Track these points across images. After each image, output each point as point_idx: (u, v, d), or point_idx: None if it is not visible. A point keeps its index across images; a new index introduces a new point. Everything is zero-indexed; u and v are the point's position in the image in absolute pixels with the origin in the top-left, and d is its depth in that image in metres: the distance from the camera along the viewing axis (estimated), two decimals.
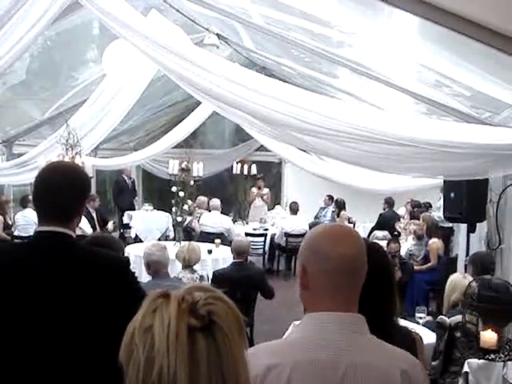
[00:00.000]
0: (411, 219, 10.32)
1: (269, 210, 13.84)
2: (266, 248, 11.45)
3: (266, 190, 13.79)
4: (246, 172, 13.21)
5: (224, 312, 1.11)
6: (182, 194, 8.72)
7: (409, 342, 2.35)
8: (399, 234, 10.64)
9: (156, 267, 5.34)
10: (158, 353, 1.05)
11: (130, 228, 12.22)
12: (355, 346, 1.63)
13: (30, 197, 8.64)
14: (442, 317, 4.38)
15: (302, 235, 9.58)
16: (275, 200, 14.95)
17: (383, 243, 7.87)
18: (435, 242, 8.74)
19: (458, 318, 4.18)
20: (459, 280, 4.72)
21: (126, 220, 12.58)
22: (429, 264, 8.67)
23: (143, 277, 6.91)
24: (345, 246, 1.67)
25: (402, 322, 4.04)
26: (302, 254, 1.73)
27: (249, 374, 1.16)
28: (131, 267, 2.38)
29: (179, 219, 8.98)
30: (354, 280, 1.69)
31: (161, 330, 1.06)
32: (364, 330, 1.68)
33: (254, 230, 11.90)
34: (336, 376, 1.58)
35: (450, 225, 9.41)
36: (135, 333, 1.10)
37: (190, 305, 1.09)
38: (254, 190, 13.58)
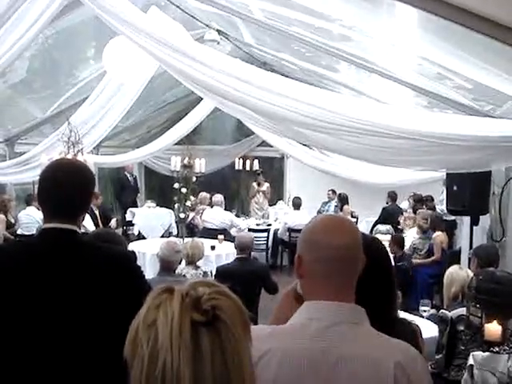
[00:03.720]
0: (414, 213, 10.30)
1: (270, 205, 13.84)
2: (269, 243, 11.45)
3: (265, 186, 13.78)
4: (248, 167, 13.20)
5: (228, 307, 1.11)
6: (184, 190, 8.72)
7: (409, 333, 2.35)
8: (402, 227, 10.63)
9: (163, 265, 5.41)
10: (162, 348, 1.05)
11: (132, 225, 12.24)
12: (349, 337, 1.63)
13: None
14: (443, 311, 4.38)
15: None
16: (278, 195, 14.94)
17: (386, 237, 7.89)
18: (439, 236, 8.71)
19: (460, 310, 4.18)
20: (456, 272, 4.70)
21: (128, 217, 12.59)
22: (433, 257, 8.65)
23: (146, 273, 6.91)
24: (337, 235, 1.69)
25: (406, 316, 4.05)
26: (299, 244, 1.77)
27: (253, 369, 1.16)
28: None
29: (182, 216, 8.97)
30: (347, 269, 1.70)
31: (164, 325, 1.06)
32: (362, 320, 1.68)
33: (257, 225, 11.90)
34: (327, 366, 1.59)
35: (453, 218, 9.38)
36: (139, 328, 1.10)
37: (194, 300, 1.09)
38: (254, 185, 13.60)
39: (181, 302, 1.08)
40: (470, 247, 6.11)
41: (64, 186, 2.23)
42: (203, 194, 11.19)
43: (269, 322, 1.93)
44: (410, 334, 2.34)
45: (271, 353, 1.62)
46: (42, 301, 2.08)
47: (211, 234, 9.61)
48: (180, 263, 5.78)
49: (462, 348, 4.15)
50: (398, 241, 8.20)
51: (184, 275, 5.91)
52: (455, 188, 6.10)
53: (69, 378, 2.06)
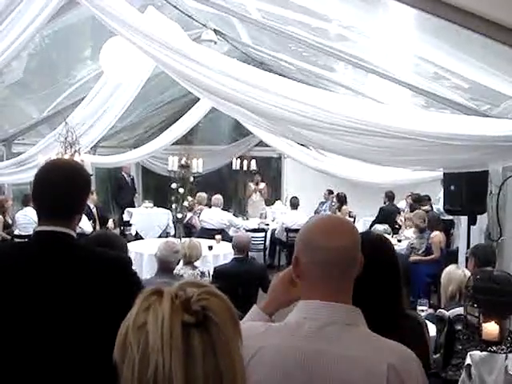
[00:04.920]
0: (411, 212, 10.31)
1: (268, 205, 13.85)
2: (267, 243, 11.44)
3: (262, 185, 13.79)
4: (245, 167, 13.20)
5: (218, 307, 1.11)
6: (181, 190, 8.71)
7: (417, 327, 2.36)
8: (400, 227, 10.64)
9: (162, 266, 5.40)
10: (153, 351, 1.05)
11: (130, 225, 12.23)
12: (343, 337, 1.63)
13: None
14: (441, 310, 4.38)
15: None
16: (275, 195, 14.95)
17: None
18: (437, 235, 8.72)
19: (457, 310, 4.18)
20: (454, 271, 4.71)
21: (126, 217, 12.59)
22: (432, 256, 8.65)
23: (144, 274, 6.93)
24: (335, 238, 1.68)
25: None
26: (296, 244, 1.76)
27: (244, 367, 1.16)
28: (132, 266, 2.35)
29: (179, 216, 8.97)
30: (344, 271, 1.69)
31: (155, 328, 1.06)
32: (357, 321, 1.67)
33: (258, 225, 11.89)
34: (319, 365, 1.59)
35: (450, 217, 9.40)
36: (129, 331, 1.10)
37: (184, 301, 1.08)
38: (251, 185, 13.61)
39: (170, 304, 1.08)
40: (468, 247, 6.11)
41: (58, 188, 2.19)
42: (201, 195, 11.18)
43: (261, 305, 1.93)
44: (417, 327, 2.35)
45: (264, 350, 1.62)
46: (34, 303, 2.05)
47: (209, 234, 9.60)
48: (178, 263, 5.77)
49: (460, 347, 4.16)
50: None
51: (181, 275, 5.90)
52: (452, 188, 6.10)
53: (60, 379, 2.04)
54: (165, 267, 5.39)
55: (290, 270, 1.80)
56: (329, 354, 1.60)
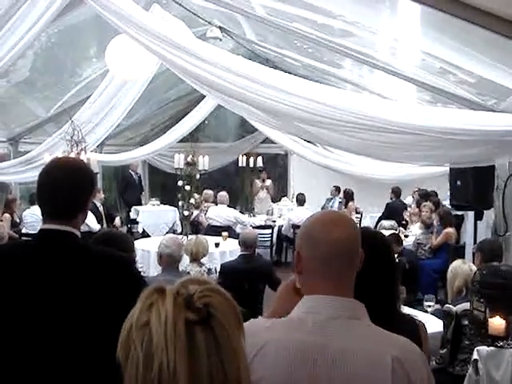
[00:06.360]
0: (418, 208, 10.28)
1: (274, 201, 13.84)
2: (274, 240, 11.45)
3: (269, 182, 13.79)
4: (251, 164, 13.20)
5: (220, 304, 1.11)
6: (188, 187, 8.72)
7: (412, 328, 2.36)
8: (407, 222, 10.62)
9: (167, 261, 5.37)
10: (157, 349, 1.05)
11: (137, 223, 12.25)
12: (346, 331, 1.63)
13: None
14: (448, 305, 4.38)
15: None
16: (282, 192, 14.94)
17: (390, 233, 7.87)
18: (450, 232, 8.69)
19: (464, 305, 4.18)
20: (459, 266, 4.71)
21: (133, 215, 12.60)
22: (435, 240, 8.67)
23: (151, 271, 6.92)
24: (335, 231, 1.69)
25: (411, 311, 4.04)
26: (297, 240, 1.79)
27: (248, 364, 1.16)
28: (138, 264, 2.35)
29: (186, 213, 8.98)
30: (345, 266, 1.70)
31: (158, 326, 1.06)
32: (360, 315, 1.68)
33: (265, 221, 11.90)
34: (323, 360, 1.59)
35: (460, 213, 9.36)
36: (132, 329, 1.10)
37: (186, 298, 1.09)
38: (258, 182, 13.62)
39: (173, 302, 1.08)
40: (475, 242, 6.10)
41: (61, 187, 2.18)
42: (208, 192, 11.19)
43: (267, 314, 1.93)
44: (412, 329, 2.35)
45: (269, 345, 1.63)
46: (36, 302, 2.05)
47: (215, 231, 9.61)
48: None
49: (467, 343, 4.15)
50: (395, 238, 8.19)
51: (188, 272, 5.90)
52: (459, 183, 6.09)
53: (64, 378, 2.04)
54: (171, 262, 5.34)
55: (294, 279, 1.81)
56: (333, 347, 1.60)
